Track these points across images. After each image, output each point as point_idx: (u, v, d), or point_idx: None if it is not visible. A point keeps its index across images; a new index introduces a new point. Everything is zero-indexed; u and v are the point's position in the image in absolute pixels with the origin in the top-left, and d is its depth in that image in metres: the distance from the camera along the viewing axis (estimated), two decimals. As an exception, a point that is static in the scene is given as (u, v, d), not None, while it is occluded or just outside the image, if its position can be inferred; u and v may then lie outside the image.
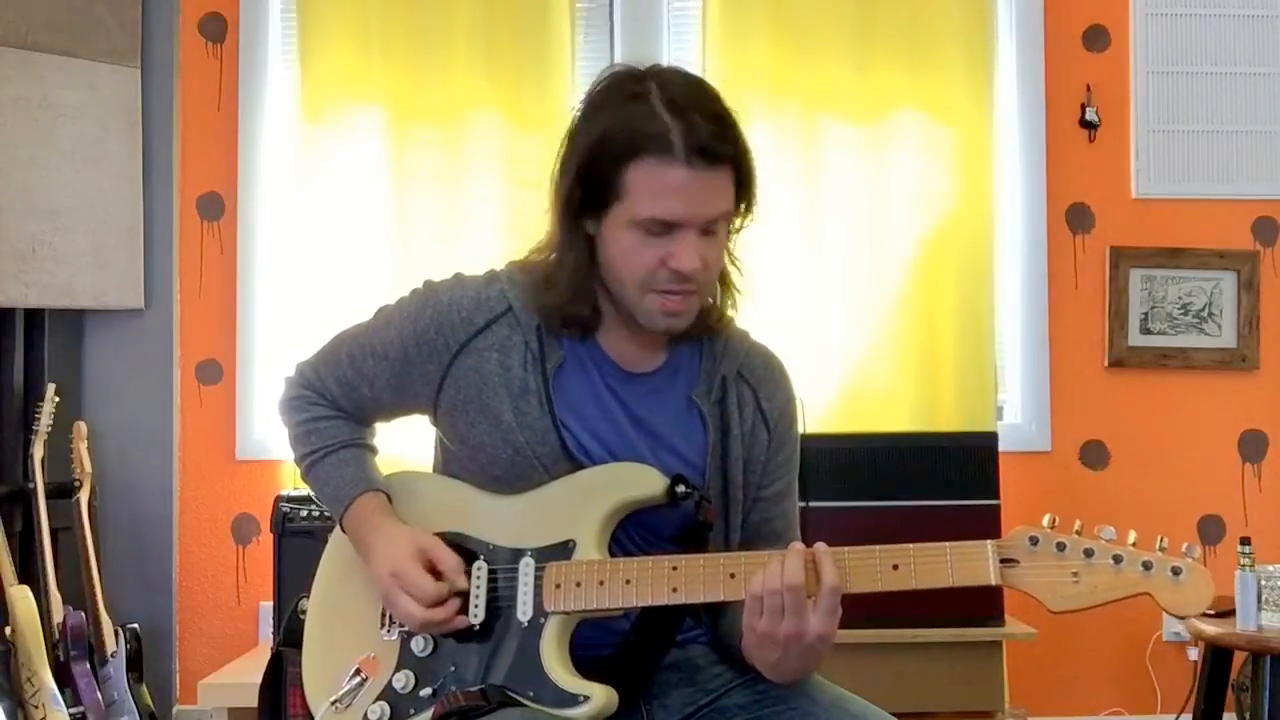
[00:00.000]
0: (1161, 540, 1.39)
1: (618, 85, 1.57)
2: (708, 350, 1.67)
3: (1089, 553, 1.39)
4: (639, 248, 1.53)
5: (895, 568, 1.43)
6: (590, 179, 1.54)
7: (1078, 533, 1.41)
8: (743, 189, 1.57)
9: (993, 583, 1.40)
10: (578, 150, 1.56)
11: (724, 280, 1.66)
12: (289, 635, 1.74)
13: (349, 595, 1.65)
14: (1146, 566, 1.37)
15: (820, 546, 1.44)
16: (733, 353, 1.68)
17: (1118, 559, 1.38)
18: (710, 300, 1.64)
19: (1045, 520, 1.42)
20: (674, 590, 1.49)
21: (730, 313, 1.68)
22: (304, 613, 1.71)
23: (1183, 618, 1.39)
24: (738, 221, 1.62)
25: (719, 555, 1.52)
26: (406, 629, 1.58)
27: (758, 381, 1.69)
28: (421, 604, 1.53)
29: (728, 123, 1.54)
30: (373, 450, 1.75)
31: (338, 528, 1.70)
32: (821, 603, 1.42)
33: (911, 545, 1.43)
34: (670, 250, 1.52)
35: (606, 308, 1.61)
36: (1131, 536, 1.40)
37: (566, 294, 1.59)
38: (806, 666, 1.49)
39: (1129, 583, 1.38)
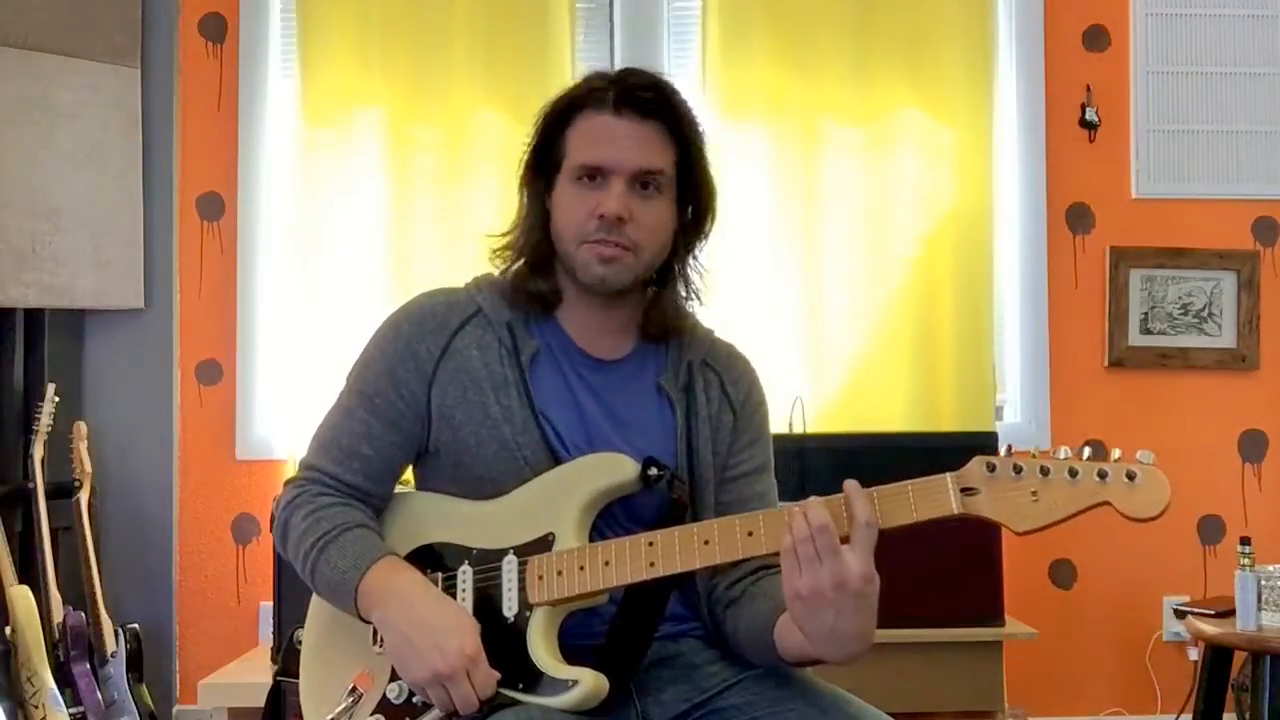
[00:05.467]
0: (1116, 452, 1.40)
1: (582, 78, 1.69)
2: (674, 343, 1.71)
3: (1045, 471, 1.40)
4: (575, 201, 1.62)
5: None
6: (543, 149, 1.65)
7: (1034, 456, 1.42)
8: (685, 161, 1.63)
9: (955, 511, 1.41)
10: (535, 128, 1.68)
11: (685, 280, 1.70)
12: (287, 665, 1.74)
13: (341, 615, 1.64)
14: (1101, 475, 1.39)
15: (850, 484, 1.43)
16: (698, 343, 1.73)
17: (1073, 472, 1.39)
18: (670, 299, 1.68)
19: (1003, 449, 1.44)
20: (651, 565, 1.50)
21: (692, 308, 1.72)
22: (300, 643, 1.71)
23: (1144, 520, 1.39)
24: (704, 224, 1.68)
25: (692, 525, 1.53)
26: None
27: (722, 368, 1.73)
28: (480, 696, 1.48)
29: (665, 89, 1.63)
30: (383, 537, 1.66)
31: None
32: (858, 542, 1.40)
33: (874, 488, 1.44)
34: (599, 199, 1.60)
35: (565, 284, 1.66)
36: (1086, 453, 1.41)
37: (526, 264, 1.66)
38: (863, 622, 1.41)
39: (1087, 493, 1.39)
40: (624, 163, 1.60)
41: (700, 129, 1.67)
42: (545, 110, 1.67)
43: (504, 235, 1.71)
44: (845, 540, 1.40)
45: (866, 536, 1.40)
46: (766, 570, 1.62)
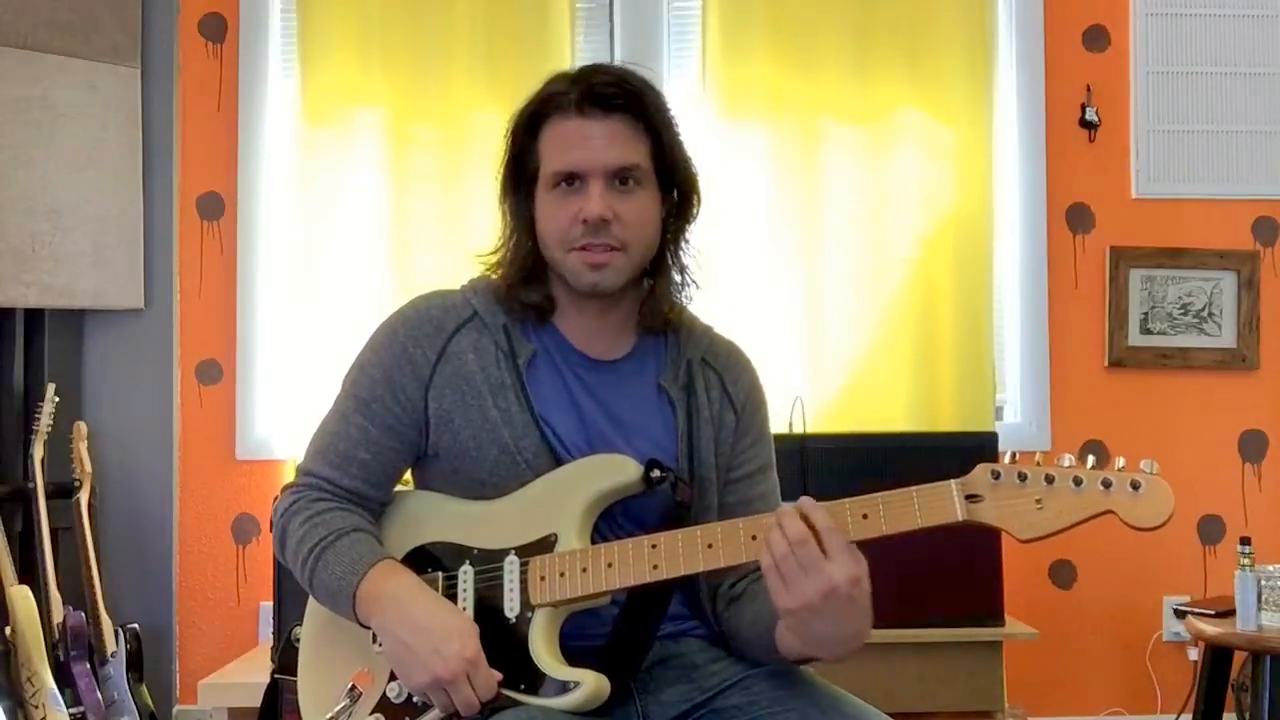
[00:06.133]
0: (1119, 461, 1.40)
1: (545, 81, 1.66)
2: (671, 339, 1.70)
3: (1049, 479, 1.40)
4: (556, 208, 1.60)
5: (865, 517, 1.44)
6: (517, 158, 1.64)
7: (1038, 464, 1.42)
8: (660, 150, 1.62)
9: (959, 518, 1.41)
10: (507, 138, 1.66)
11: (680, 268, 1.69)
12: (284, 663, 1.73)
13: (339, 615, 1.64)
14: (1106, 485, 1.39)
15: (805, 500, 1.44)
16: (696, 340, 1.72)
17: (1078, 481, 1.39)
18: (666, 289, 1.67)
19: (1007, 457, 1.43)
20: (655, 568, 1.50)
21: (686, 300, 1.71)
22: (299, 641, 1.70)
23: (1148, 530, 1.39)
24: (690, 208, 1.67)
25: (696, 529, 1.52)
26: None
27: (722, 366, 1.72)
28: (480, 699, 1.49)
29: (630, 81, 1.61)
30: (380, 541, 1.64)
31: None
32: (831, 546, 1.40)
33: (879, 494, 1.45)
34: (580, 203, 1.58)
35: (559, 290, 1.66)
36: (1090, 461, 1.41)
37: (519, 278, 1.64)
38: (857, 623, 1.43)
39: (1091, 502, 1.39)
40: (597, 163, 1.58)
41: (670, 115, 1.65)
42: (513, 122, 1.65)
43: (493, 253, 1.69)
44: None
45: (835, 540, 1.41)
46: None
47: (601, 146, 1.58)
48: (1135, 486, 1.38)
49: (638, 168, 1.60)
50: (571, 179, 1.59)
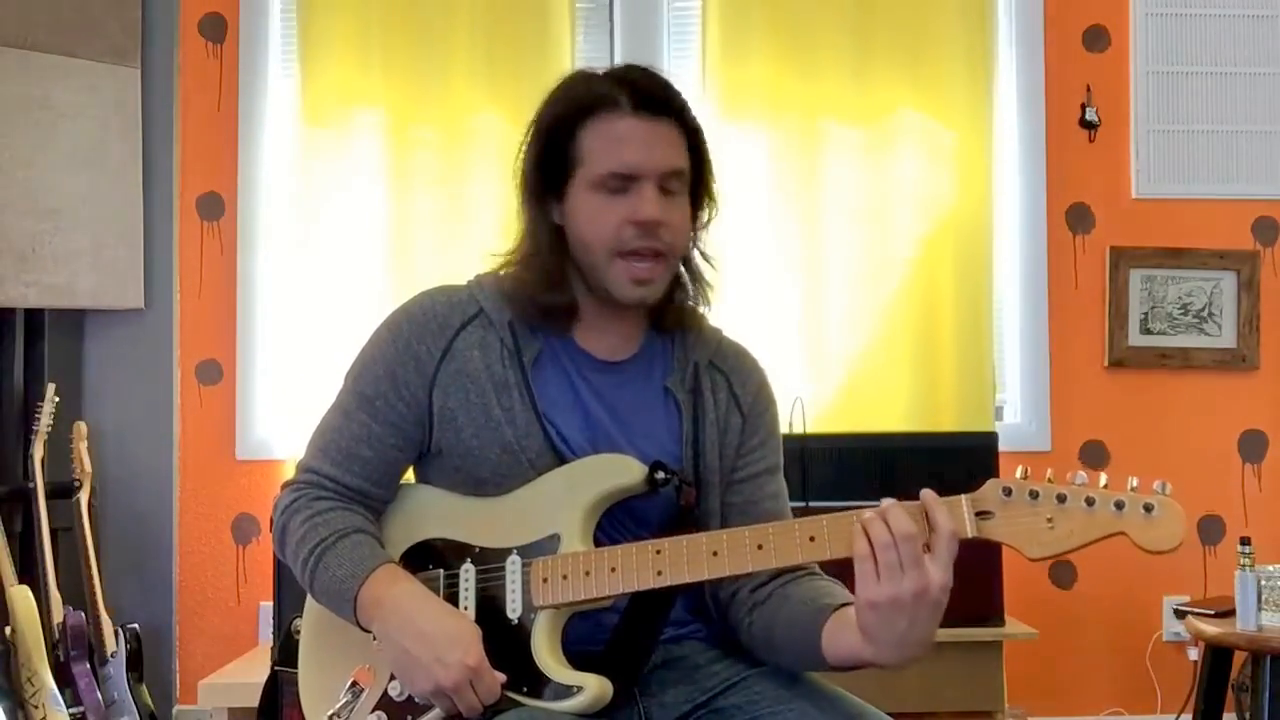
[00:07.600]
0: (1133, 481, 1.38)
1: (568, 78, 1.65)
2: (679, 341, 1.69)
3: (1062, 498, 1.38)
4: (603, 209, 1.57)
5: None
6: (549, 156, 1.60)
7: (1050, 480, 1.40)
8: (696, 159, 1.62)
9: (969, 535, 1.39)
10: (536, 135, 1.62)
11: (694, 275, 1.68)
12: (285, 655, 1.73)
13: None
14: (1119, 506, 1.37)
15: (928, 494, 1.40)
16: (704, 343, 1.70)
17: (1090, 501, 1.37)
18: (683, 294, 1.67)
19: (1018, 472, 1.41)
20: (659, 574, 1.49)
21: (702, 308, 1.70)
22: (299, 632, 1.70)
23: (1159, 553, 1.38)
24: (705, 215, 1.67)
25: (701, 535, 1.51)
26: None
27: (730, 369, 1.71)
28: (484, 704, 1.48)
29: (671, 85, 1.61)
30: (381, 542, 1.63)
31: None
32: (941, 552, 1.37)
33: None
34: (632, 205, 1.56)
35: (583, 297, 1.63)
36: (1103, 480, 1.39)
37: (541, 283, 1.61)
38: (931, 630, 1.39)
39: (1103, 524, 1.37)
40: (655, 165, 1.56)
41: (695, 114, 1.64)
42: (547, 119, 1.61)
43: (510, 253, 1.66)
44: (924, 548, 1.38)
45: (950, 547, 1.37)
46: (794, 573, 1.60)
47: (657, 149, 1.57)
48: (1148, 509, 1.36)
49: (683, 174, 1.60)
50: (623, 180, 1.57)
